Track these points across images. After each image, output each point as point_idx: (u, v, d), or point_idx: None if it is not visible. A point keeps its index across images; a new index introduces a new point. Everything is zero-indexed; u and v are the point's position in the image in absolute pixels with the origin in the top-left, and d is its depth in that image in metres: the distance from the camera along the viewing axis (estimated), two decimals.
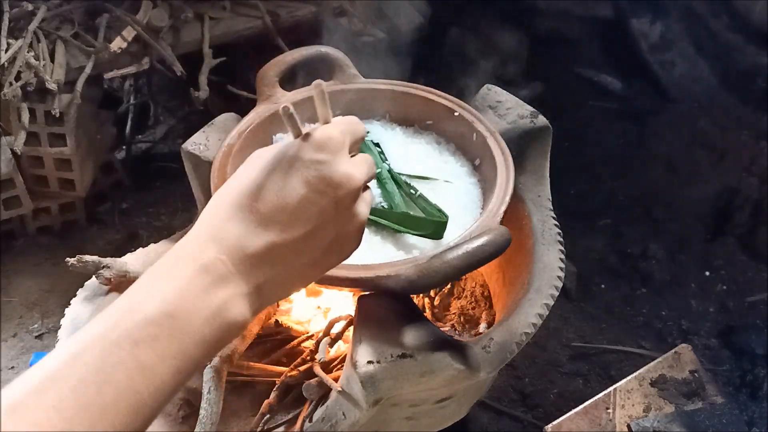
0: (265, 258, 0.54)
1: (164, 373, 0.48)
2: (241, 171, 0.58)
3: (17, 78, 1.59)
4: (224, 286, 0.52)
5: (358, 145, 0.62)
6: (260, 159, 0.57)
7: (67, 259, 1.00)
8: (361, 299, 0.90)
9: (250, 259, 0.53)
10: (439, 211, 0.93)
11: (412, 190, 0.96)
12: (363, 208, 0.60)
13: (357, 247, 0.62)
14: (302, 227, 0.55)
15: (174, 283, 0.50)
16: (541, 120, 1.08)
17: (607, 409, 1.26)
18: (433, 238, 0.90)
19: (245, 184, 0.55)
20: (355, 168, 0.58)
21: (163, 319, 0.48)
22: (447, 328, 1.20)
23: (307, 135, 0.57)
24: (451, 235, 0.89)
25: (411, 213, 0.93)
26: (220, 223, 0.54)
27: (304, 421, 0.98)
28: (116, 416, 0.45)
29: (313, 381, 0.99)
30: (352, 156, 0.59)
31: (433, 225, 0.91)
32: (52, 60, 1.67)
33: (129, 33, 1.76)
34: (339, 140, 0.57)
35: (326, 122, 0.60)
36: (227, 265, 0.52)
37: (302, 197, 0.55)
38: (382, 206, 0.94)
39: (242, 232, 0.53)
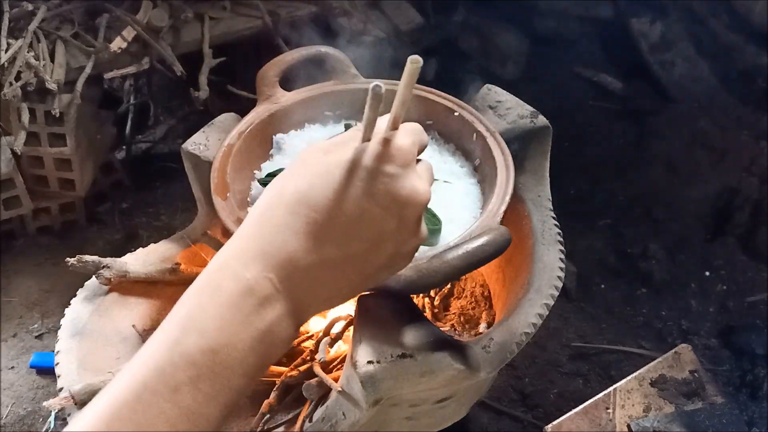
0: (316, 274, 0.49)
1: (209, 413, 0.44)
2: (296, 170, 0.51)
3: (17, 78, 1.59)
4: (270, 307, 0.47)
5: (421, 154, 0.56)
6: (318, 160, 0.51)
7: (67, 259, 1.00)
8: (361, 299, 0.90)
9: (299, 275, 0.48)
10: (434, 216, 0.92)
11: None
12: (425, 227, 0.55)
13: (408, 264, 0.56)
14: (360, 244, 0.49)
15: (214, 312, 0.45)
16: (541, 120, 1.08)
17: (607, 409, 1.26)
18: (426, 245, 0.89)
19: (302, 188, 0.49)
20: (422, 182, 0.52)
21: (204, 356, 0.44)
22: (447, 328, 1.20)
23: (386, 141, 0.51)
24: (451, 235, 0.89)
25: None
26: (270, 234, 0.48)
27: (304, 421, 0.98)
28: None
29: (313, 381, 0.99)
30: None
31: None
32: (52, 60, 1.67)
33: (129, 33, 1.76)
34: (410, 152, 0.51)
35: (404, 106, 0.53)
36: (274, 284, 0.47)
37: (365, 211, 0.49)
38: None
39: (294, 245, 0.48)
